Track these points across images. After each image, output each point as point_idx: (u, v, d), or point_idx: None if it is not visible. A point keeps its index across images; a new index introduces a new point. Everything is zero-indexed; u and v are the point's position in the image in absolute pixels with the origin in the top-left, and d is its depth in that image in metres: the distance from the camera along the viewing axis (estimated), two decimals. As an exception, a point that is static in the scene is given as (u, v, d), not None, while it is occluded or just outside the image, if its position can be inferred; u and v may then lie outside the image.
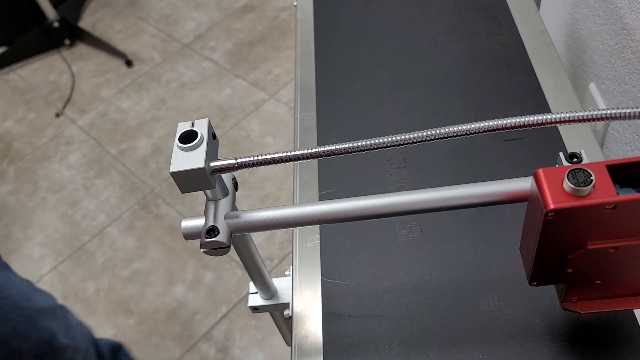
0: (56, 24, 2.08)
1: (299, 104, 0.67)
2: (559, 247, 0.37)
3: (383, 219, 0.43)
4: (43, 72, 2.11)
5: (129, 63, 2.04)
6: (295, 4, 0.82)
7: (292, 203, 0.58)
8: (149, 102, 1.91)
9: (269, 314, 0.61)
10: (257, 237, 1.49)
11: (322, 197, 0.58)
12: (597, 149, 0.57)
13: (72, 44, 2.15)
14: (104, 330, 1.42)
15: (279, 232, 1.49)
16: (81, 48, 2.15)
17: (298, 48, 0.74)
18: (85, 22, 2.23)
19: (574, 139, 0.58)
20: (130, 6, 2.28)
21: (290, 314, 0.52)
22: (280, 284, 0.57)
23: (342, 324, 0.50)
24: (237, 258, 1.44)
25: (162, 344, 1.38)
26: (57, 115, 1.94)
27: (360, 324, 0.49)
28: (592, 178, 0.34)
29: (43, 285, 1.52)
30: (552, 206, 0.33)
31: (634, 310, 0.46)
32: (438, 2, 0.74)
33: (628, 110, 0.36)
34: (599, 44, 0.85)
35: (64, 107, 1.97)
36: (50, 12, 2.06)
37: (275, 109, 1.79)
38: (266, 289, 0.55)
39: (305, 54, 0.72)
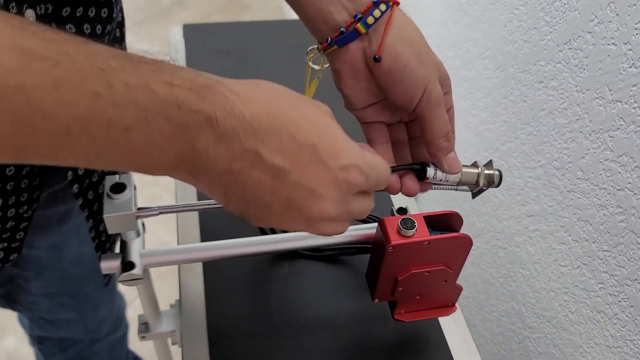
0: None
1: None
2: (394, 271, 0.53)
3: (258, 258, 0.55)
4: None
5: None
6: None
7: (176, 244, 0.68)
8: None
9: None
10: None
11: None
12: (414, 201, 0.77)
13: None
14: None
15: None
16: None
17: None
18: None
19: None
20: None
21: (180, 337, 0.61)
22: (166, 314, 0.66)
23: (225, 343, 0.60)
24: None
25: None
26: None
27: (241, 341, 0.61)
28: (415, 224, 0.50)
29: None
30: (392, 242, 0.49)
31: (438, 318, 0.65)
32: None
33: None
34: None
35: None
36: None
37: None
38: (156, 318, 0.64)
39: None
